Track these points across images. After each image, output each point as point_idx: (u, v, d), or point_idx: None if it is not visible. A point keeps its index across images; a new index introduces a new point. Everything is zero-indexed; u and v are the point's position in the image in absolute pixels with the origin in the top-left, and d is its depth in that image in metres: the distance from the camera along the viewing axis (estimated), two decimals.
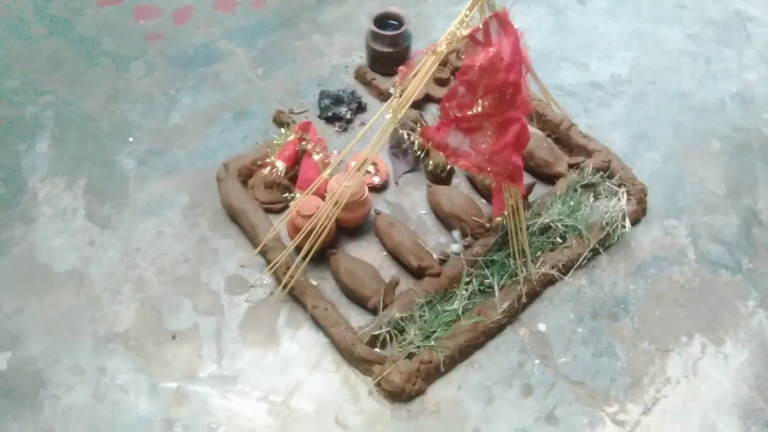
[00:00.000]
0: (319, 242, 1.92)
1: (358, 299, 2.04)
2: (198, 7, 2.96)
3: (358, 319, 2.02)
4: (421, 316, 1.97)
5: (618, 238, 2.22)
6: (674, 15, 3.08)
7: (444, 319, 1.98)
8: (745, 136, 2.58)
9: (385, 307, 1.97)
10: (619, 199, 2.25)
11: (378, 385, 1.88)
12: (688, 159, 2.50)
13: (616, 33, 2.99)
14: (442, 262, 2.10)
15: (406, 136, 2.35)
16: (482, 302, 2.02)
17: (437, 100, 2.58)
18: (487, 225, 2.16)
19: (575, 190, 2.27)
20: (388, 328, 1.93)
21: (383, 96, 2.61)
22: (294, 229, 2.04)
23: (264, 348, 1.95)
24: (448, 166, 2.31)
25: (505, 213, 1.99)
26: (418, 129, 2.35)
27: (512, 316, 2.04)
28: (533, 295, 2.09)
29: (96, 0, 2.96)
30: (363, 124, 2.56)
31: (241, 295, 2.05)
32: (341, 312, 2.01)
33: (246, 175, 2.28)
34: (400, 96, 1.66)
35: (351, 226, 2.22)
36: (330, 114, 2.53)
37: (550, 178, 2.35)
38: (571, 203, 2.23)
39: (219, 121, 2.53)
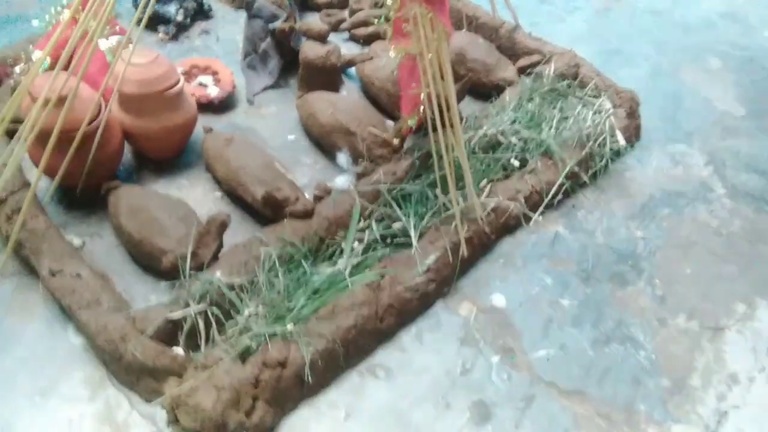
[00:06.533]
0: (87, 164, 1.02)
1: (149, 257, 1.07)
2: None
3: (152, 298, 1.06)
4: (270, 284, 1.02)
5: (606, 163, 1.37)
6: None
7: (315, 287, 1.03)
8: (748, 53, 1.86)
9: (198, 267, 1.02)
10: (599, 107, 1.43)
11: (173, 419, 0.89)
12: (683, 76, 1.74)
13: None
14: (318, 200, 1.19)
15: (266, 29, 1.48)
16: (388, 257, 1.10)
17: None
18: (394, 139, 1.27)
19: (531, 100, 1.43)
20: (200, 307, 0.96)
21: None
22: (33, 140, 1.07)
23: None
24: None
25: (422, 107, 1.12)
26: (283, 18, 1.49)
27: (444, 281, 1.12)
28: (480, 249, 1.19)
29: None
30: (206, 32, 1.67)
31: None
32: (120, 286, 1.04)
33: None
34: None
35: (160, 153, 1.29)
36: (150, 15, 1.62)
37: (490, 91, 1.50)
38: (530, 108, 1.38)
39: None
